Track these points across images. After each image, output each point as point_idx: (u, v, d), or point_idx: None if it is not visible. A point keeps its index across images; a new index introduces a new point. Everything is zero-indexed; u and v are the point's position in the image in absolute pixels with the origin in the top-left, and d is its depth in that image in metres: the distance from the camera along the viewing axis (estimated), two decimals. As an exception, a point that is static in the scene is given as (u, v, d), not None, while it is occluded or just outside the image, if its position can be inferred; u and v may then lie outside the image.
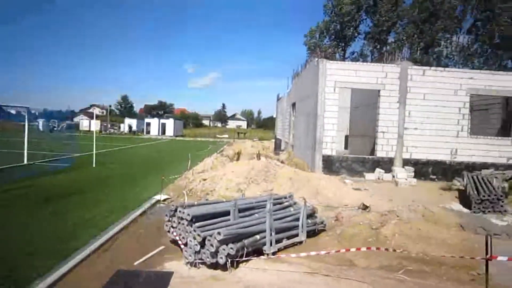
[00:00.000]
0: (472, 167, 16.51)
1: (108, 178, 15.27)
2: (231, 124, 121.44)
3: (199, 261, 6.37)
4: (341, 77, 16.79)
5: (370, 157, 17.34)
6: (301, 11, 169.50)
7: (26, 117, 21.05)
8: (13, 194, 11.33)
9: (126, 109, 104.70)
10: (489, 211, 11.05)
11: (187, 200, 10.89)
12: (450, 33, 41.06)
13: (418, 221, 8.34)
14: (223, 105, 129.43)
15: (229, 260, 6.21)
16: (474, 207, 11.24)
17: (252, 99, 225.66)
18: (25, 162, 18.04)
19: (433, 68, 18.52)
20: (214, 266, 6.30)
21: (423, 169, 16.94)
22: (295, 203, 9.00)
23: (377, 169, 16.53)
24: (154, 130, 66.58)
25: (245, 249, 6.50)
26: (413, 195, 13.03)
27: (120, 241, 7.70)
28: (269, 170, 12.90)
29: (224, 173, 13.01)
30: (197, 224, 6.65)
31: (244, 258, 6.45)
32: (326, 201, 11.03)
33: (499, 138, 17.82)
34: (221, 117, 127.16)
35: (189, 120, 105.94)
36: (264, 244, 6.91)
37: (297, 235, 7.68)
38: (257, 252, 6.84)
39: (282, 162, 18.04)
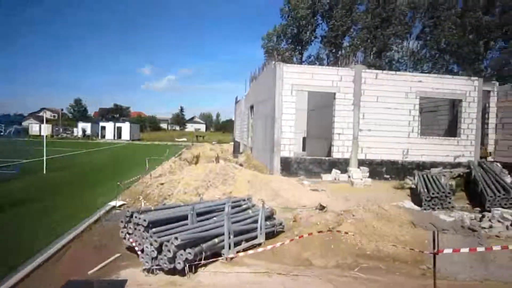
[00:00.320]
0: (422, 166, 17.27)
1: (59, 185, 14.66)
2: (190, 127, 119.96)
3: (157, 267, 6.24)
4: (298, 80, 17.05)
5: (327, 158, 17.71)
6: (259, 14, 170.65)
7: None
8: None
9: (79, 112, 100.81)
10: (438, 208, 11.62)
11: (144, 205, 10.65)
12: (401, 39, 42.84)
13: (373, 220, 8.61)
14: (181, 108, 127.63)
15: (187, 265, 6.14)
16: (425, 204, 11.78)
17: (210, 101, 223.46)
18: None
19: (385, 71, 19.23)
20: (172, 271, 6.20)
21: (377, 169, 17.51)
22: (253, 206, 9.03)
23: (334, 170, 16.91)
24: (109, 134, 64.57)
25: (204, 253, 6.46)
26: (368, 194, 13.44)
27: (73, 250, 7.41)
28: (227, 173, 12.87)
29: (182, 177, 12.85)
30: (154, 229, 6.52)
31: (202, 262, 6.40)
32: (285, 203, 11.15)
33: (447, 138, 18.80)
34: (179, 120, 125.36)
35: (146, 124, 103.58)
36: (223, 247, 6.88)
37: (256, 237, 7.70)
38: (216, 255, 6.80)
39: (240, 164, 18.08)
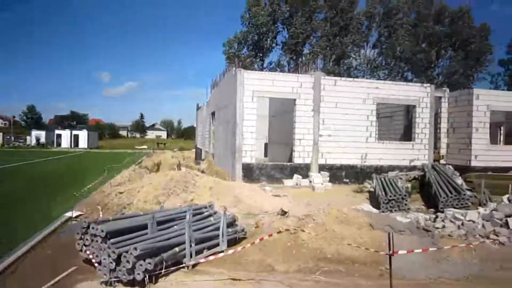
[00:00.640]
0: (380, 170, 17.83)
1: (11, 197, 13.92)
2: (151, 134, 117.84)
3: (115, 279, 6.05)
4: (259, 86, 17.19)
5: (288, 164, 17.92)
6: (221, 21, 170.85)
7: None
8: None
9: (33, 120, 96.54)
10: (395, 210, 12.02)
11: (102, 215, 10.31)
12: (358, 47, 44.23)
13: (333, 223, 8.77)
14: (141, 115, 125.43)
15: (147, 276, 5.99)
16: (382, 206, 12.15)
17: (172, 108, 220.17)
18: None
19: (343, 78, 19.80)
20: (132, 283, 6.03)
21: (337, 174, 17.91)
22: (215, 213, 8.97)
23: (295, 175, 17.12)
24: (65, 143, 62.06)
25: (164, 262, 6.32)
26: (329, 198, 13.70)
27: (26, 264, 7.04)
28: (189, 180, 12.71)
29: (142, 185, 12.56)
30: (112, 240, 6.32)
31: (163, 272, 6.27)
32: (247, 209, 11.15)
33: (402, 142, 19.57)
34: (140, 127, 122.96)
35: (105, 131, 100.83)
36: (185, 256, 6.78)
37: (218, 245, 7.64)
38: (178, 264, 6.69)
39: (202, 171, 17.92)
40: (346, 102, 18.01)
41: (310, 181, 16.87)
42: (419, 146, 18.86)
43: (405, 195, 12.43)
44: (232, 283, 6.28)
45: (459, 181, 14.50)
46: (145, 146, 68.44)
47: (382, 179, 14.41)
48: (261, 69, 42.51)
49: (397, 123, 22.74)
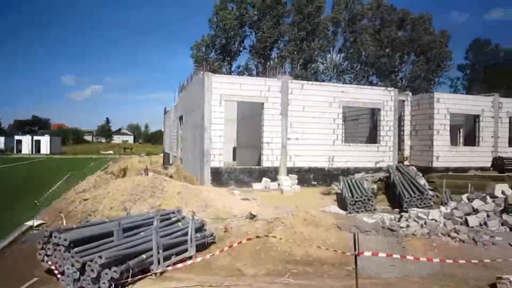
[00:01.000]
0: (347, 171, 18.15)
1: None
2: (117, 139, 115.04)
3: (79, 289, 5.87)
4: (226, 90, 17.16)
5: (257, 167, 17.95)
6: (188, 24, 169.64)
7: None
8: None
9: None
10: (361, 211, 12.28)
11: (65, 223, 9.98)
12: (325, 51, 44.97)
13: (301, 226, 8.86)
14: (107, 119, 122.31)
15: (113, 285, 5.85)
16: (349, 208, 12.39)
17: (139, 112, 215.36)
18: None
19: (310, 82, 20.06)
20: (97, 292, 5.86)
21: (306, 176, 18.10)
22: (183, 218, 8.87)
23: (264, 179, 17.17)
24: (26, 149, 59.58)
25: (131, 270, 6.19)
26: (297, 201, 13.79)
27: (-19, 277, 6.72)
28: (156, 185, 12.50)
29: (108, 192, 12.25)
30: (76, 249, 6.13)
31: (130, 280, 6.13)
32: (216, 213, 11.08)
33: (368, 145, 20.02)
34: (105, 132, 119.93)
35: (69, 136, 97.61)
36: (152, 263, 6.66)
37: (186, 250, 7.56)
38: (145, 272, 6.56)
39: (170, 176, 17.67)
40: (313, 105, 18.24)
41: (279, 184, 16.97)
42: (384, 148, 19.35)
43: (371, 196, 12.73)
44: (200, 289, 6.22)
45: (422, 181, 14.97)
46: (111, 151, 66.86)
47: (349, 181, 14.68)
48: (229, 73, 42.41)
49: (363, 126, 23.26)
